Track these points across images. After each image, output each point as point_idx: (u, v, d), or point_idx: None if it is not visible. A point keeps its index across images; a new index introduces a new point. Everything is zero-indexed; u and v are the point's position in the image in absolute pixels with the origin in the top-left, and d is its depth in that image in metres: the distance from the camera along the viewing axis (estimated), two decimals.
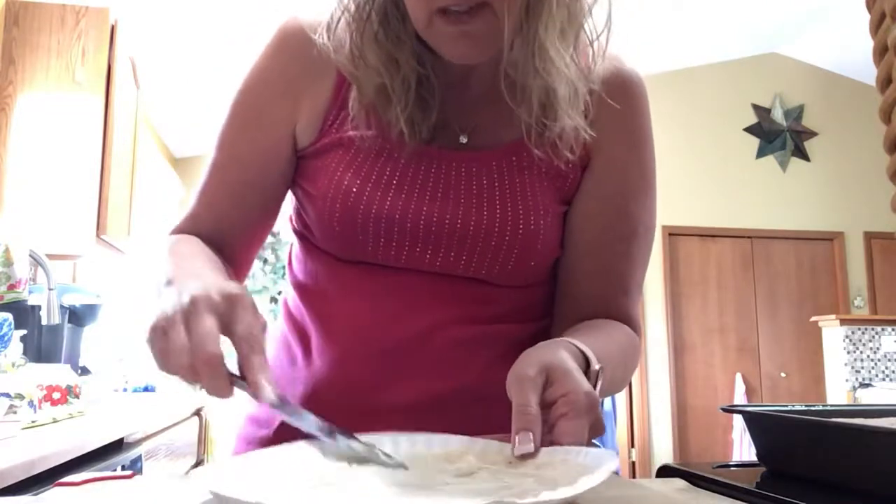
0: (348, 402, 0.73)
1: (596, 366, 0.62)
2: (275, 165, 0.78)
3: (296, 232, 0.83)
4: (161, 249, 0.71)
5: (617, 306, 0.80)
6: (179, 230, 0.79)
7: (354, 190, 0.73)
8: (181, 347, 0.51)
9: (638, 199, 0.80)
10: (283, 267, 4.99)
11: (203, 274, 0.61)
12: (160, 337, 0.52)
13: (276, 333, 0.85)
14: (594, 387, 0.59)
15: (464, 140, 0.76)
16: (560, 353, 0.60)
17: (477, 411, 0.71)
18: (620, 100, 0.76)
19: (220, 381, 0.52)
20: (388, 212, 0.73)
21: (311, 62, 0.76)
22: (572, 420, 0.53)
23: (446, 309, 0.74)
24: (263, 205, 0.80)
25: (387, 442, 0.58)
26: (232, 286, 0.56)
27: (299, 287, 0.82)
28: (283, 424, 0.76)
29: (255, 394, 0.53)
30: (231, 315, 0.54)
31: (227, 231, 0.79)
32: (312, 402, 0.75)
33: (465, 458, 0.57)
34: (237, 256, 0.82)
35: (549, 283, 0.81)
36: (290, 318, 0.82)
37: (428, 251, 0.74)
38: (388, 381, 0.73)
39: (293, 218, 0.84)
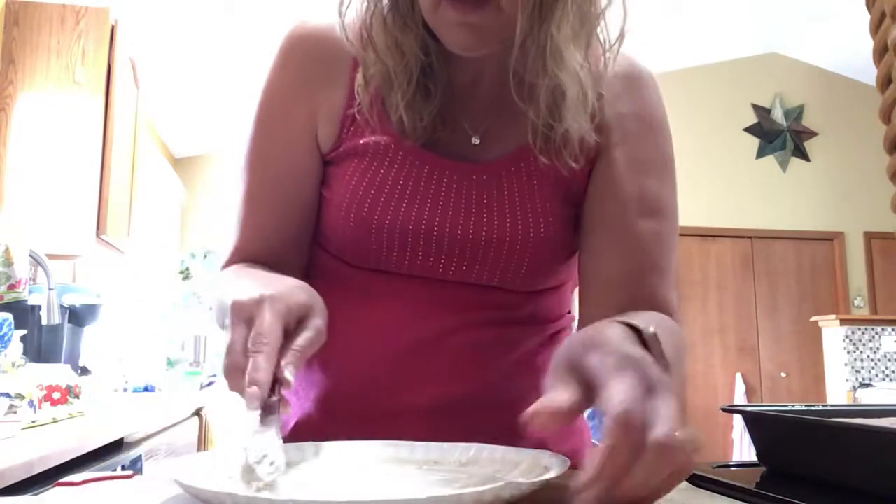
0: (363, 405, 0.73)
1: (650, 328, 0.52)
2: (307, 175, 0.77)
3: None
4: (218, 291, 0.70)
5: (651, 287, 0.72)
6: (229, 263, 0.77)
7: (368, 200, 0.72)
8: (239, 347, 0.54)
9: (656, 176, 0.76)
10: None
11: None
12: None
13: None
14: (659, 356, 0.49)
15: (476, 141, 0.76)
16: (603, 332, 0.50)
17: (493, 415, 0.71)
18: (634, 87, 0.76)
19: (271, 355, 0.52)
20: (402, 222, 0.72)
21: (321, 67, 0.76)
22: (618, 379, 0.43)
23: (460, 314, 0.74)
24: (305, 214, 0.78)
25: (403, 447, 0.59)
26: (264, 291, 0.57)
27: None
28: (296, 425, 0.77)
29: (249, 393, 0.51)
30: (254, 315, 0.55)
31: (274, 251, 0.77)
32: (327, 404, 0.75)
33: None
34: (288, 272, 0.79)
35: (564, 286, 0.81)
36: None
37: (441, 261, 0.73)
38: (402, 385, 0.72)
39: None
